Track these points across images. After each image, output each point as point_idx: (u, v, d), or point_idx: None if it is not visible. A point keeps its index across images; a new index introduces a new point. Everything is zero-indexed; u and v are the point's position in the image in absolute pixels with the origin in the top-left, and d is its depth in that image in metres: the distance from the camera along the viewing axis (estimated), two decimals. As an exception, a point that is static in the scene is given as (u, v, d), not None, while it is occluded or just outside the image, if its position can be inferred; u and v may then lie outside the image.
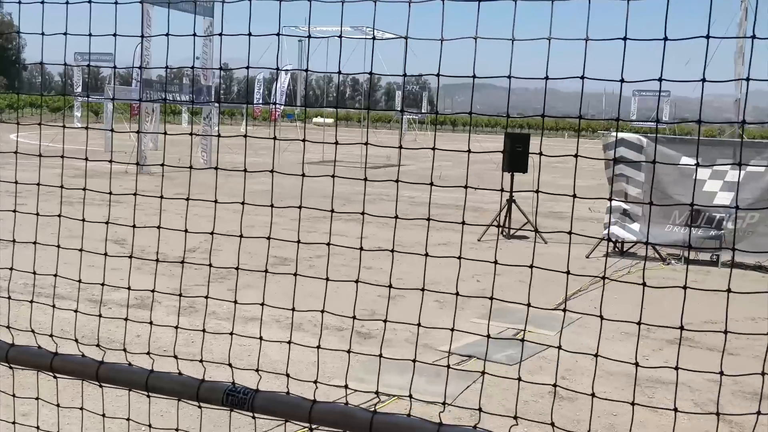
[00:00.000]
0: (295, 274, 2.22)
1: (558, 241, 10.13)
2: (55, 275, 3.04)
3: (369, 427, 1.79)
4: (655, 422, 4.62)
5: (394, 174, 19.66)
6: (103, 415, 2.64)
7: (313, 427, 1.92)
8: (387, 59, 22.71)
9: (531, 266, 2.14)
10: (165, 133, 2.67)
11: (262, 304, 2.36)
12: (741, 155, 8.73)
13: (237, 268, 2.37)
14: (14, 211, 2.95)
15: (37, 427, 2.87)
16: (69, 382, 2.87)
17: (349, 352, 2.26)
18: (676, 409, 2.01)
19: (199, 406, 2.10)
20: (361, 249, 2.36)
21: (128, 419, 2.72)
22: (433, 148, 2.11)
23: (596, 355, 1.95)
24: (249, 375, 4.61)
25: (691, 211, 8.85)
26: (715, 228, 8.97)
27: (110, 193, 2.74)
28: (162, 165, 2.64)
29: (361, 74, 2.25)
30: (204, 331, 2.52)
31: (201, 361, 2.36)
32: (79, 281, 2.99)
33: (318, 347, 2.28)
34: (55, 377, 2.35)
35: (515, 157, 9.75)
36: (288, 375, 2.12)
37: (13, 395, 2.72)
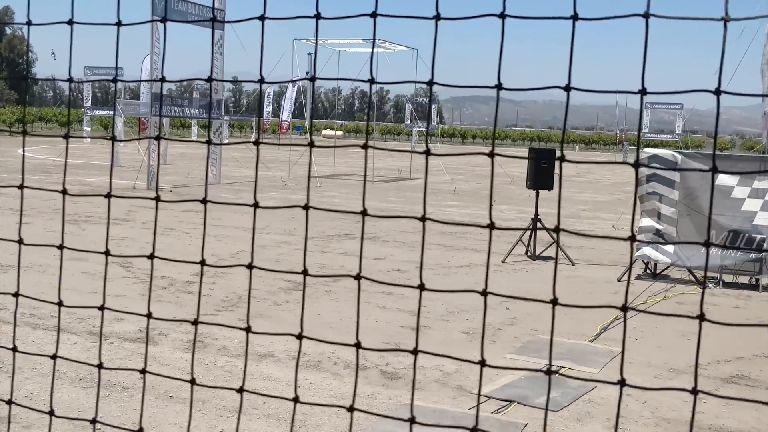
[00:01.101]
0: (303, 299, 1.74)
1: (586, 262, 9.62)
2: (59, 303, 2.57)
3: None
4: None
5: (406, 188, 19.18)
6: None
7: None
8: (399, 72, 22.30)
9: (553, 302, 1.65)
10: (155, 137, 2.21)
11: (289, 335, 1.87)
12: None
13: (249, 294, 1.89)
14: (19, 243, 2.48)
15: None
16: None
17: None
18: None
19: None
20: (386, 283, 1.88)
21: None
22: (426, 153, 1.65)
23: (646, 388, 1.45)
24: (264, 426, 4.14)
25: (728, 234, 8.33)
26: (756, 249, 8.44)
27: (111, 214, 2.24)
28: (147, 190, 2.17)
29: (363, 82, 1.79)
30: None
31: None
32: (80, 307, 2.53)
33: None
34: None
35: (540, 174, 9.25)
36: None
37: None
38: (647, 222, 8.77)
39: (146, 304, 6.44)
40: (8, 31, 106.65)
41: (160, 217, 11.89)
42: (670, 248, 8.68)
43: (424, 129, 34.65)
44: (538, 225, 9.42)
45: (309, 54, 29.42)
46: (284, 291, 7.28)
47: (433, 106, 46.93)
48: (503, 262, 9.22)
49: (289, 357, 5.27)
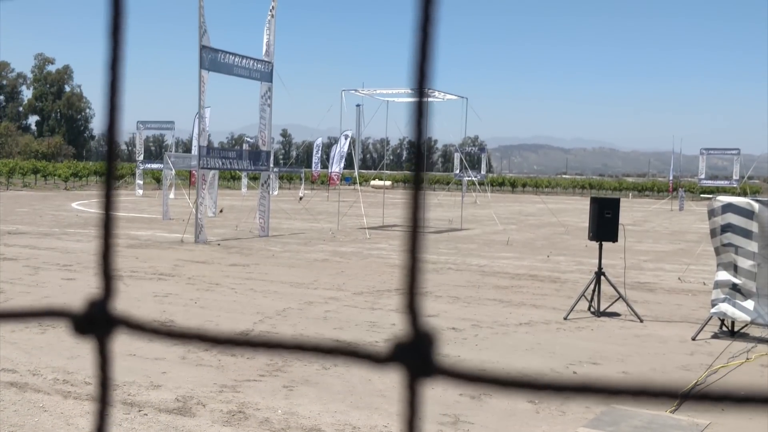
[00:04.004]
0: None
1: (654, 318, 8.94)
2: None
3: None
4: None
5: (457, 239, 18.66)
6: None
7: None
8: (448, 120, 22.04)
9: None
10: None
11: None
12: None
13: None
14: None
15: None
16: None
17: None
18: None
19: None
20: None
21: None
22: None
23: None
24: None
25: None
26: None
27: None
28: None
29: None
30: None
31: None
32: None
33: None
34: None
35: (603, 224, 8.68)
36: None
37: None
38: (723, 276, 8.09)
39: (186, 368, 6.06)
40: (67, 89, 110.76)
41: (206, 272, 11.64)
42: (749, 304, 7.97)
43: (473, 178, 34.23)
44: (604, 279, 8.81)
45: (358, 105, 29.46)
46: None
47: (481, 155, 46.55)
48: (566, 318, 8.61)
49: (338, 430, 4.77)
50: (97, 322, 0.53)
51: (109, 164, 0.55)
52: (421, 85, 0.49)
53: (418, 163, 0.50)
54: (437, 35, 0.48)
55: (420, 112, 0.50)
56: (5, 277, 10.48)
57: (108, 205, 0.55)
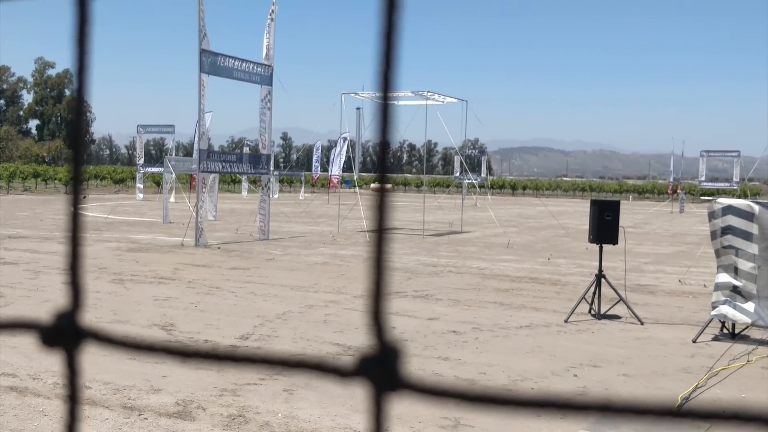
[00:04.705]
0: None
1: (655, 321, 8.93)
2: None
3: None
4: None
5: (458, 242, 18.66)
6: None
7: None
8: (448, 123, 22.03)
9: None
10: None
11: None
12: None
13: None
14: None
15: None
16: None
17: None
18: None
19: None
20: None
21: None
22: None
23: None
24: None
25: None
26: None
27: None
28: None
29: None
30: None
31: None
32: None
33: None
34: None
35: (604, 227, 8.67)
36: None
37: None
38: (724, 278, 8.08)
39: (186, 372, 6.05)
40: (67, 92, 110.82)
41: (206, 275, 11.64)
42: (750, 306, 7.96)
43: (473, 181, 34.22)
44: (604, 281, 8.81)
45: (358, 108, 29.47)
46: (333, 356, 6.80)
47: (481, 158, 46.56)
48: (566, 321, 8.60)
49: (337, 435, 4.77)
50: (64, 334, 0.52)
51: (76, 170, 0.55)
52: (386, 89, 0.49)
53: (382, 168, 0.50)
54: (400, 42, 0.48)
55: (385, 118, 0.50)
56: (5, 282, 10.48)
57: (75, 212, 0.54)
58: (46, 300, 9.18)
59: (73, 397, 0.53)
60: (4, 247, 14.77)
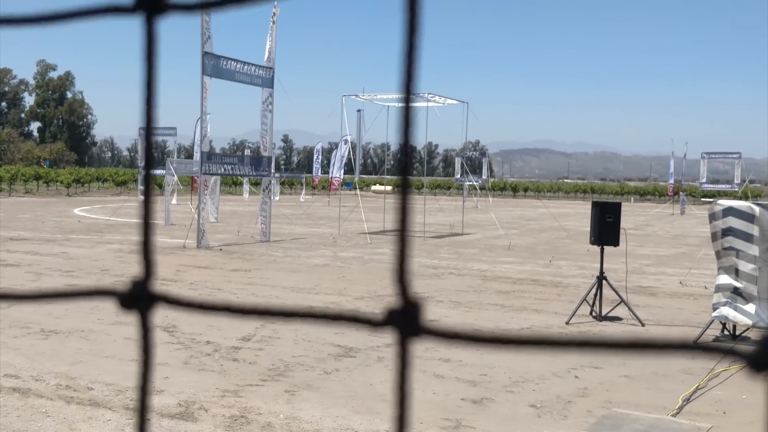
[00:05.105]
0: None
1: (657, 322, 8.95)
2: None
3: None
4: None
5: (458, 244, 18.67)
6: None
7: None
8: (449, 125, 22.06)
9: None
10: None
11: None
12: None
13: None
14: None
15: None
16: None
17: None
18: None
19: None
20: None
21: None
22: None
23: None
24: None
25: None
26: None
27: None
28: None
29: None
30: None
31: None
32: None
33: None
34: None
35: (605, 229, 8.69)
36: None
37: None
38: (725, 279, 8.10)
39: (187, 373, 6.07)
40: (69, 95, 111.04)
41: (208, 277, 11.65)
42: (750, 308, 7.97)
43: (474, 182, 34.23)
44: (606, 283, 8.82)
45: (358, 110, 29.52)
46: (334, 358, 6.83)
47: (482, 160, 46.58)
48: (567, 323, 8.61)
49: (339, 436, 4.78)
50: (140, 298, 0.60)
51: (147, 162, 0.58)
52: (408, 90, 0.52)
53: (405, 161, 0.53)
54: (421, 43, 0.51)
55: (407, 119, 0.53)
56: (8, 283, 10.50)
57: (148, 198, 0.64)
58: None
59: (146, 353, 0.62)
60: (6, 249, 14.79)
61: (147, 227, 0.63)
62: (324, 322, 0.56)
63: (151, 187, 0.66)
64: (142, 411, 0.63)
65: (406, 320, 0.51)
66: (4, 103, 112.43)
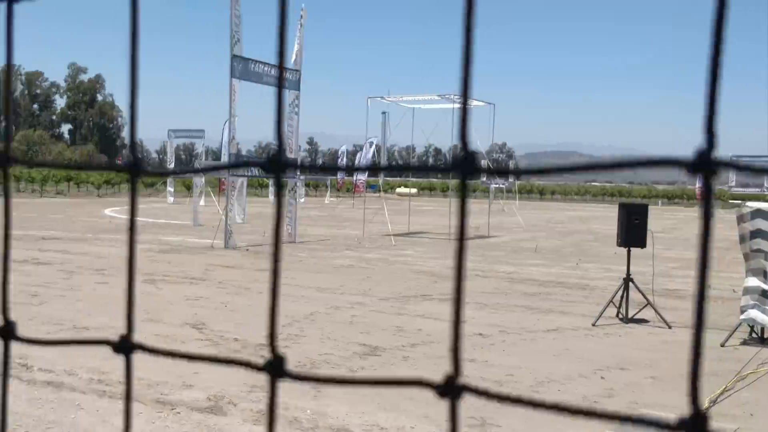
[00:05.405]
0: None
1: (683, 325, 8.88)
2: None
3: None
4: None
5: (485, 246, 18.66)
6: None
7: None
8: (475, 126, 22.04)
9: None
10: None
11: None
12: None
13: None
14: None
15: None
16: None
17: None
18: None
19: None
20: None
21: None
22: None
23: None
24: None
25: None
26: None
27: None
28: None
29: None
30: None
31: None
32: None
33: None
34: None
35: (632, 231, 8.66)
36: None
37: None
38: (753, 282, 8.03)
39: (216, 369, 6.16)
40: (99, 98, 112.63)
41: (237, 276, 11.81)
42: (780, 311, 7.89)
43: (500, 185, 34.11)
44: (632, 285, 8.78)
45: (383, 113, 29.61)
46: (359, 356, 6.89)
47: (509, 162, 46.41)
48: (594, 325, 8.59)
49: (365, 431, 4.84)
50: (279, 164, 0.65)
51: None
52: (466, 92, 0.58)
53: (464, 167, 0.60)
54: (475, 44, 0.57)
55: (464, 120, 0.59)
56: (41, 281, 10.72)
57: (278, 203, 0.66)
58: (79, 299, 9.38)
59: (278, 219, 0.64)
60: (39, 248, 15.09)
61: (278, 222, 0.69)
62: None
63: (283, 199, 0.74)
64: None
65: (467, 165, 0.60)
66: (36, 105, 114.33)
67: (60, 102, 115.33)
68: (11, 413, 4.94)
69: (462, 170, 0.61)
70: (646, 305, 8.82)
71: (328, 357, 6.80)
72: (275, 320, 0.67)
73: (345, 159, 45.10)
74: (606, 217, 35.44)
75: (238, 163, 0.81)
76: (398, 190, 59.20)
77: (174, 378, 5.83)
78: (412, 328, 8.24)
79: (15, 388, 5.58)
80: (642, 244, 8.68)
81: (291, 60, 18.16)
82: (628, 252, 8.89)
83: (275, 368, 0.65)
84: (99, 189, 48.16)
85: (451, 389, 0.59)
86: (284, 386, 4.00)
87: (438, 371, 5.49)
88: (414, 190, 55.81)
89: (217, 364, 0.71)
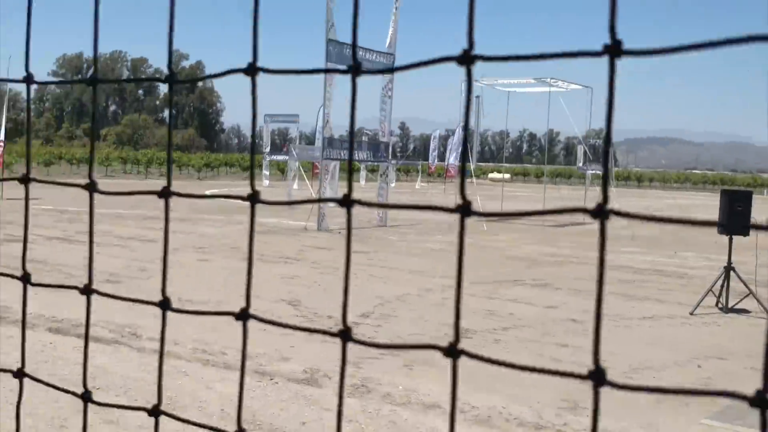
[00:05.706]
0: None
1: (789, 317, 8.50)
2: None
3: None
4: None
5: (579, 233, 18.32)
6: None
7: None
8: (572, 111, 21.59)
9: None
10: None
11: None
12: None
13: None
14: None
15: None
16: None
17: None
18: None
19: None
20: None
21: None
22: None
23: None
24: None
25: None
26: None
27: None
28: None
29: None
30: None
31: None
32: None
33: None
34: None
35: (735, 218, 8.34)
36: None
37: None
38: None
39: (312, 344, 6.39)
40: (199, 84, 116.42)
41: (329, 257, 12.05)
42: None
43: (598, 172, 33.30)
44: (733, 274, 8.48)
45: (477, 96, 29.38)
46: (450, 338, 6.96)
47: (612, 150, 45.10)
48: (692, 314, 8.35)
49: (458, 409, 4.93)
50: None
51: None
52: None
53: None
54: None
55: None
56: (147, 257, 11.31)
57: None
58: (183, 275, 9.86)
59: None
60: (144, 226, 15.88)
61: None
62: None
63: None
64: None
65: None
66: (141, 91, 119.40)
67: (163, 87, 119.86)
68: (124, 377, 5.30)
69: (461, 213, 0.76)
70: (747, 295, 8.50)
71: (418, 337, 6.91)
72: (347, 295, 0.86)
73: (437, 143, 45.02)
74: (707, 206, 34.05)
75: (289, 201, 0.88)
76: (491, 175, 58.66)
77: (272, 351, 6.08)
78: (504, 312, 8.25)
79: (126, 354, 5.97)
80: (745, 232, 8.35)
81: (386, 43, 18.29)
82: (730, 240, 8.57)
83: (345, 336, 0.86)
84: (199, 172, 50.01)
85: (452, 352, 0.79)
86: (377, 362, 4.21)
87: (530, 355, 5.50)
88: (507, 176, 55.13)
89: (309, 332, 0.91)
